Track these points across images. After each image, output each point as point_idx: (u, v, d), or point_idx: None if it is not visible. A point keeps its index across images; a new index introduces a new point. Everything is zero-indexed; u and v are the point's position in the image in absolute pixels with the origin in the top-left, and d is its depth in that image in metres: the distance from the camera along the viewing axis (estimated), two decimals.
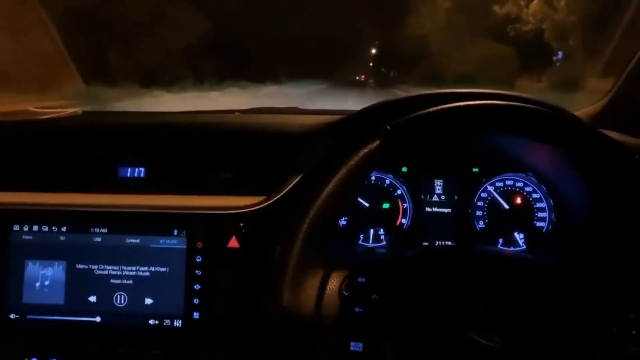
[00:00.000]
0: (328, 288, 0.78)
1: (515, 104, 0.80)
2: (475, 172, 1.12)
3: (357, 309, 0.77)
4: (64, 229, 0.92)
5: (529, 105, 0.80)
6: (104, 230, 0.92)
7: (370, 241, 1.12)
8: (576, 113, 1.21)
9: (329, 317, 0.76)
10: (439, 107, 0.79)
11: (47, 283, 0.91)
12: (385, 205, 1.13)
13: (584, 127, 0.85)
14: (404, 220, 1.12)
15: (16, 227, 0.92)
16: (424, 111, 0.80)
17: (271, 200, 0.92)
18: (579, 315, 0.84)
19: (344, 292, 0.77)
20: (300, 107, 1.47)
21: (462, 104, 0.80)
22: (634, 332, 0.79)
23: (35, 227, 0.92)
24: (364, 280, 0.78)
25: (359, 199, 1.12)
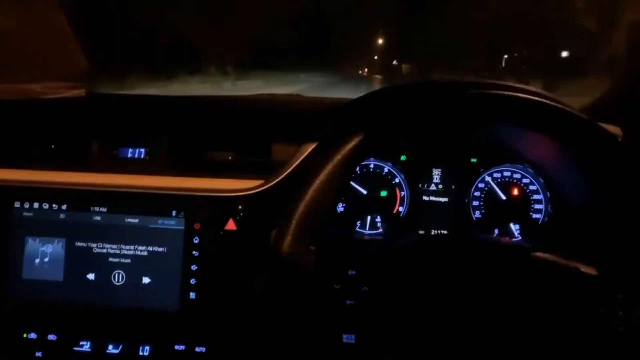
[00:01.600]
0: (319, 280, 0.78)
1: (511, 94, 0.80)
2: (473, 162, 1.13)
3: (348, 302, 0.78)
4: (64, 206, 0.93)
5: (524, 96, 0.80)
6: (104, 210, 0.93)
7: (367, 228, 1.13)
8: (576, 105, 1.22)
9: (321, 308, 0.78)
10: (430, 98, 0.80)
11: (46, 260, 0.93)
12: (383, 193, 1.13)
13: (580, 119, 0.85)
14: (401, 209, 1.13)
15: (17, 204, 0.93)
16: (415, 102, 0.80)
17: (270, 184, 0.93)
18: (570, 299, 0.85)
19: (335, 285, 0.78)
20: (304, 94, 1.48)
21: (454, 93, 0.80)
22: (621, 312, 0.80)
23: (36, 205, 0.93)
24: (354, 273, 0.79)
25: (358, 186, 1.13)
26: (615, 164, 0.85)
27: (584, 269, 0.81)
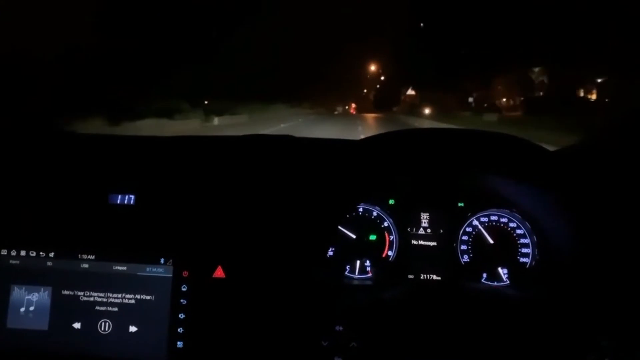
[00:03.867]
0: (306, 339, 0.78)
1: (487, 143, 0.83)
2: (461, 206, 1.14)
3: (336, 358, 0.78)
4: (51, 254, 0.93)
5: (499, 143, 0.82)
6: (92, 257, 0.93)
7: (357, 273, 1.13)
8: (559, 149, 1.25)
9: None
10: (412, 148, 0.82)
11: (32, 308, 0.92)
12: (372, 237, 1.14)
13: (560, 166, 0.87)
14: (390, 253, 1.14)
15: (3, 252, 0.93)
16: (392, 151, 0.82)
17: (259, 230, 0.94)
18: (557, 345, 0.86)
19: (323, 342, 0.78)
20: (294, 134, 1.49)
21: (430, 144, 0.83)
22: (606, 359, 0.80)
23: (23, 252, 0.93)
24: (341, 328, 0.79)
25: (347, 230, 1.13)
26: (593, 207, 0.87)
27: None
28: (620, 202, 0.93)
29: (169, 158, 1.11)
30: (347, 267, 1.13)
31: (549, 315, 0.92)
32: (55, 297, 0.92)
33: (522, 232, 1.13)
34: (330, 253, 1.13)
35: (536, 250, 1.11)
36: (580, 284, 0.93)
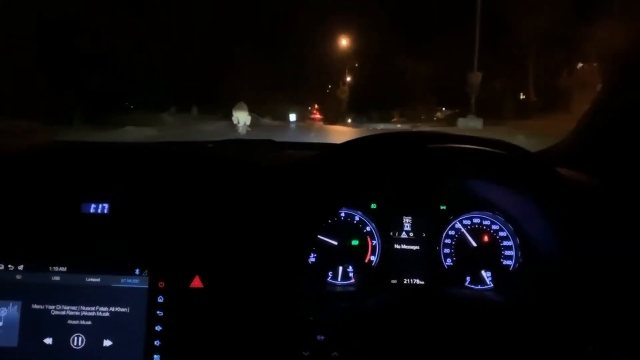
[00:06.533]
0: (287, 349, 0.76)
1: (467, 146, 0.82)
2: (443, 209, 1.14)
3: None
4: (20, 267, 0.89)
5: (482, 148, 0.81)
6: (63, 269, 0.90)
7: (339, 279, 1.11)
8: (540, 150, 1.25)
9: None
10: (396, 150, 0.81)
11: (0, 324, 0.88)
12: (355, 242, 1.12)
13: (539, 168, 0.87)
14: (372, 258, 1.12)
15: None
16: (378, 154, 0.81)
17: (238, 239, 0.91)
18: (541, 350, 0.85)
19: (304, 352, 0.76)
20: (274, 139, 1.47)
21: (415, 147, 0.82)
22: None
23: None
24: (322, 338, 0.77)
25: (329, 237, 1.11)
26: (574, 210, 0.87)
27: None
28: (600, 205, 0.93)
29: (144, 165, 1.08)
30: (330, 274, 1.11)
31: (533, 320, 0.91)
32: (25, 312, 0.88)
33: (505, 235, 1.13)
34: (312, 259, 1.11)
35: (519, 252, 1.11)
36: (562, 288, 0.93)
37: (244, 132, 9.91)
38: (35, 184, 0.99)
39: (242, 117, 10.44)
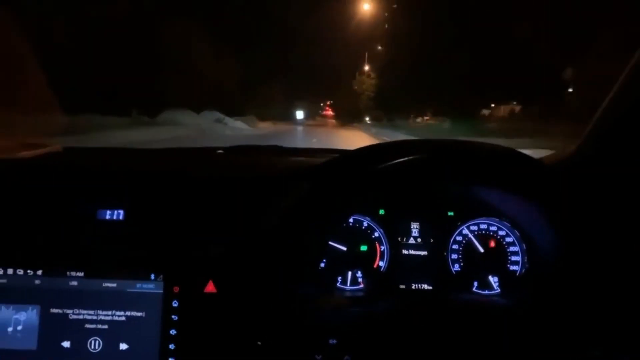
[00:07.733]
0: (300, 353, 0.78)
1: (476, 155, 0.83)
2: (451, 215, 1.15)
3: None
4: (39, 272, 0.92)
5: (490, 157, 0.83)
6: (81, 274, 0.92)
7: (348, 284, 1.13)
8: (549, 155, 1.26)
9: None
10: (403, 159, 0.82)
11: (19, 328, 0.90)
12: (363, 248, 1.14)
13: (547, 178, 0.88)
14: (381, 263, 1.14)
15: None
16: (391, 162, 0.83)
17: (251, 245, 0.93)
18: (548, 354, 0.86)
19: (316, 356, 0.77)
20: (282, 145, 1.49)
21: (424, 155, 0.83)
22: None
23: (10, 271, 0.92)
24: (335, 342, 0.79)
25: (338, 242, 1.13)
26: (579, 218, 0.88)
27: None
28: (605, 212, 0.94)
29: (158, 171, 1.10)
30: (339, 279, 1.13)
31: (540, 324, 0.92)
32: (44, 316, 0.91)
33: (512, 240, 1.14)
34: (322, 265, 1.12)
35: (525, 258, 1.12)
36: (569, 293, 0.94)
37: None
38: (51, 191, 1.02)
39: None
